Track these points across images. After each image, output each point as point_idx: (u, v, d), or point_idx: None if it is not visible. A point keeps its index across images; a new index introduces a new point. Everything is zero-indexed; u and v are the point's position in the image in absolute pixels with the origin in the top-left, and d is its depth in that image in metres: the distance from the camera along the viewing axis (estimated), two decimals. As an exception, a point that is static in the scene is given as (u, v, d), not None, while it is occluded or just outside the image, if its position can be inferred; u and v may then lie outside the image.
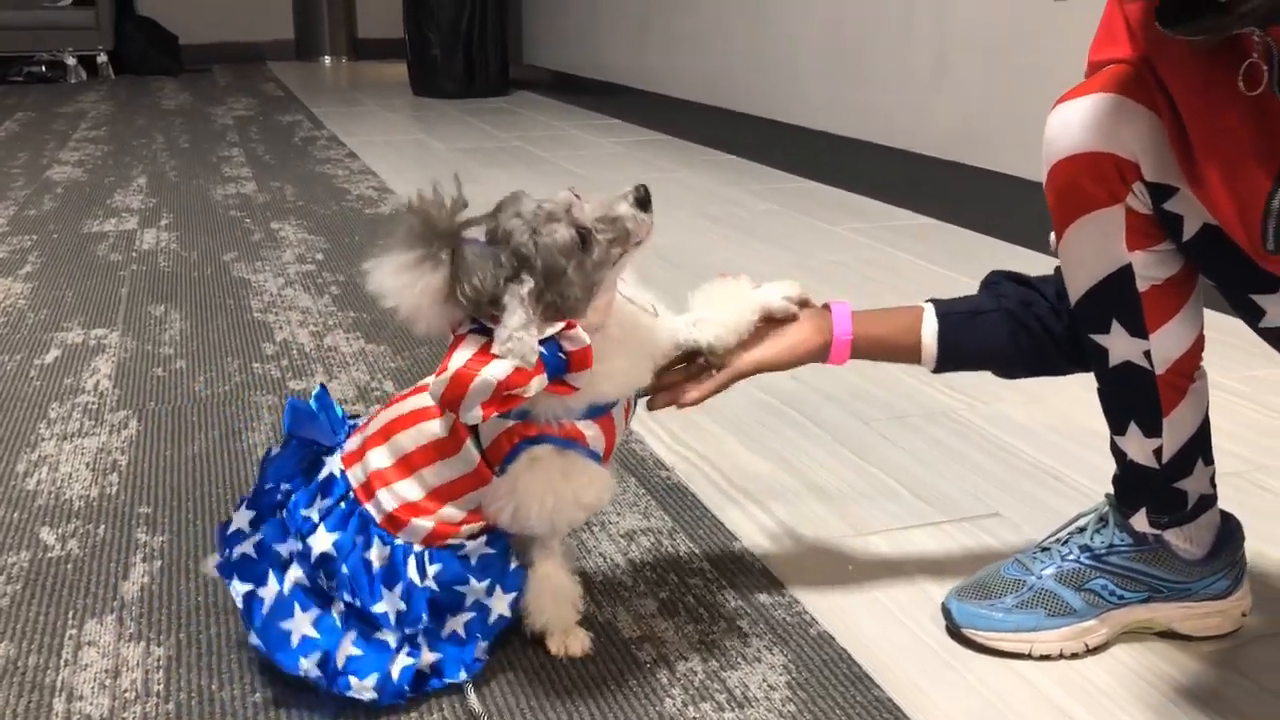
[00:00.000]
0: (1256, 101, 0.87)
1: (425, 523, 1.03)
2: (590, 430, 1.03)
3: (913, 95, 3.12)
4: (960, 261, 2.61)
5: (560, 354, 0.95)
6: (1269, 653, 1.13)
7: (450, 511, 1.03)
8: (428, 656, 1.04)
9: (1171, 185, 0.97)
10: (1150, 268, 1.01)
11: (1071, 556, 1.14)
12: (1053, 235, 1.06)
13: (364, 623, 1.02)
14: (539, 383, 0.94)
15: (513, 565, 1.07)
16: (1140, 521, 1.12)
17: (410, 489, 1.03)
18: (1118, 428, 1.10)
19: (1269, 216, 0.87)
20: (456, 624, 1.05)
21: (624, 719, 1.02)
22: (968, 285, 1.22)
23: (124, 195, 3.37)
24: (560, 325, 0.94)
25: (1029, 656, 1.12)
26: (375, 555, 1.02)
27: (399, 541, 1.03)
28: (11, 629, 1.15)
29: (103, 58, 6.87)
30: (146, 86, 6.43)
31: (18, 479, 1.49)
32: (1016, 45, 2.71)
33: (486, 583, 1.05)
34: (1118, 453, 1.11)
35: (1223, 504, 1.15)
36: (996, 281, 1.18)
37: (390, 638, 1.02)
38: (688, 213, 3.12)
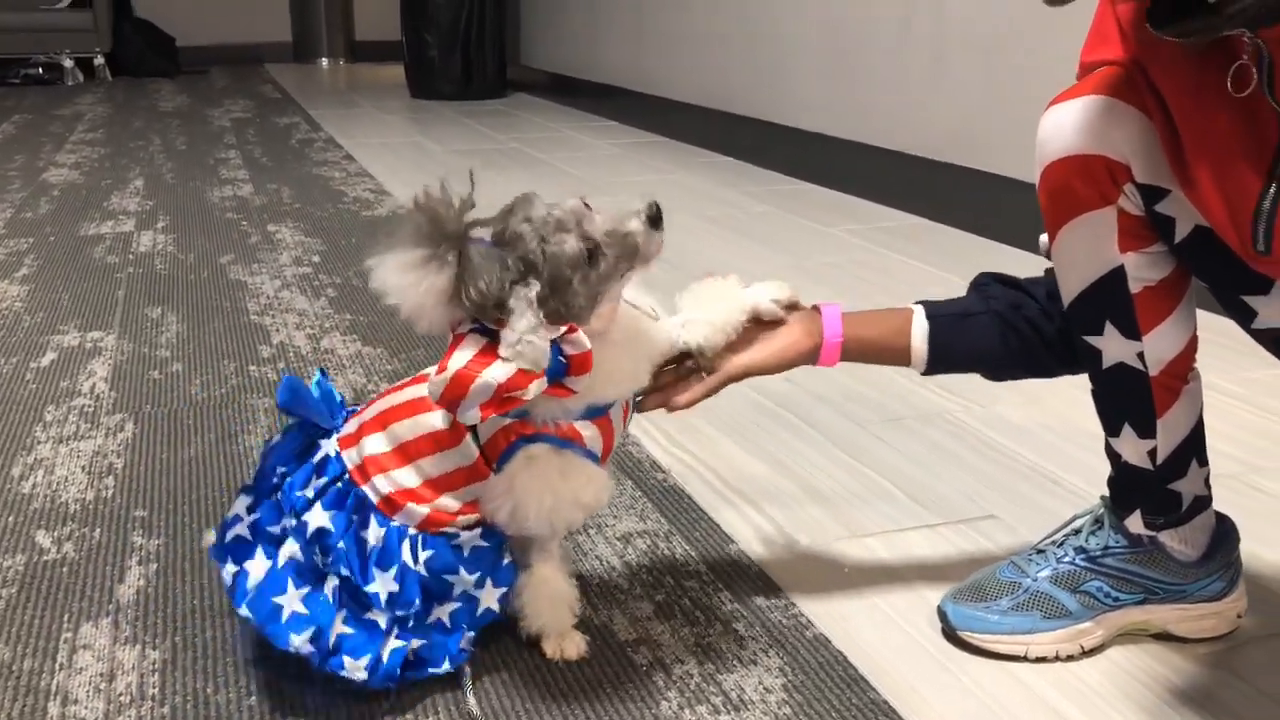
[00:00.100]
0: (1246, 103, 0.87)
1: (421, 508, 1.03)
2: (588, 431, 1.03)
3: (908, 97, 3.12)
4: (954, 263, 2.61)
5: (560, 357, 0.95)
6: (1264, 655, 1.13)
7: (447, 501, 1.03)
8: (415, 642, 1.04)
9: (1163, 187, 0.97)
10: (1142, 269, 1.01)
11: (1067, 559, 1.14)
12: (1043, 237, 1.06)
13: (355, 603, 1.02)
14: (538, 386, 0.93)
15: (505, 560, 1.06)
16: (1135, 523, 1.12)
17: (407, 476, 1.03)
18: (1112, 429, 1.10)
19: (1259, 218, 0.88)
20: (442, 612, 1.05)
21: (619, 722, 1.02)
22: (962, 286, 1.22)
23: (121, 198, 3.37)
24: (562, 329, 0.94)
25: (1025, 659, 1.12)
26: (371, 535, 1.02)
27: (395, 524, 1.03)
28: (6, 633, 1.15)
29: (100, 60, 6.87)
30: (144, 89, 6.43)
31: (13, 482, 1.49)
32: (1012, 47, 2.71)
33: (476, 575, 1.04)
34: (1112, 454, 1.12)
35: (1218, 506, 1.15)
36: (985, 283, 1.18)
37: (381, 619, 1.02)
38: (685, 214, 3.12)
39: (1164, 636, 1.15)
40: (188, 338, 2.07)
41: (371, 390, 1.80)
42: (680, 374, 1.14)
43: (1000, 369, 1.18)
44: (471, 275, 0.92)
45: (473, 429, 1.01)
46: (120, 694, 1.05)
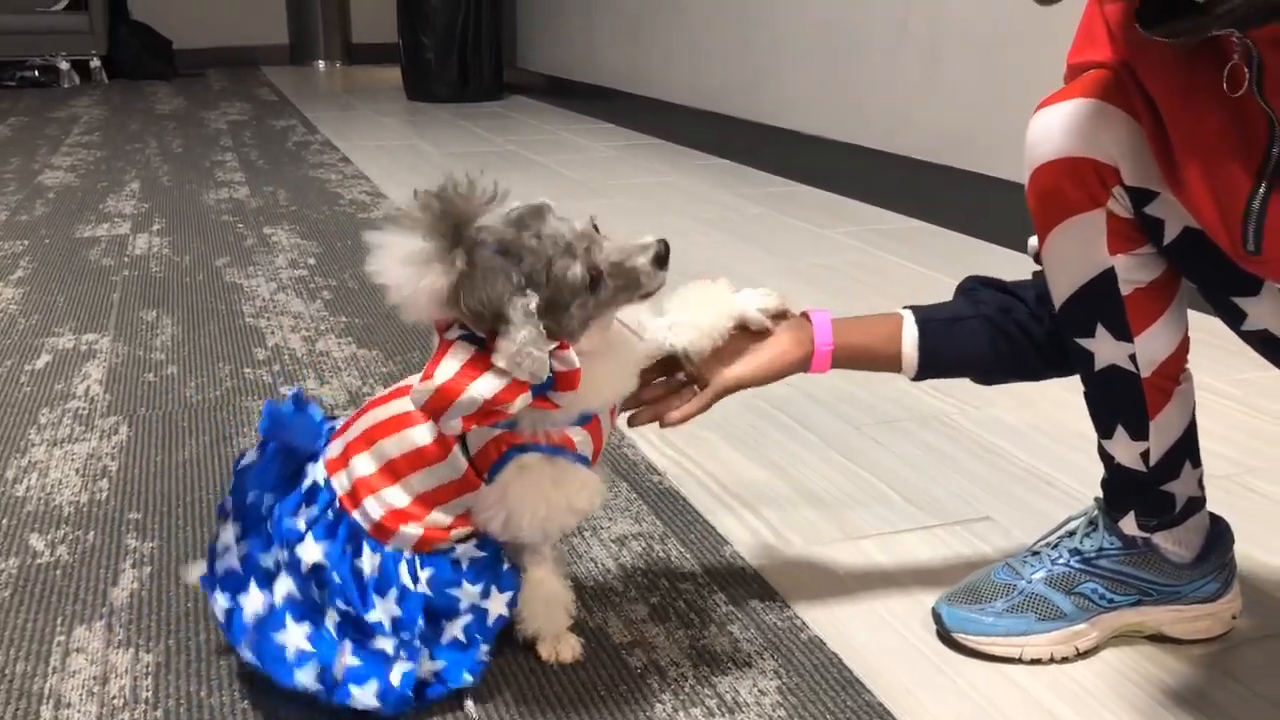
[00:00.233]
0: (1235, 103, 0.87)
1: (414, 529, 1.02)
2: (578, 436, 1.02)
3: (905, 99, 3.12)
4: (950, 265, 2.61)
5: (549, 372, 0.94)
6: (1259, 656, 1.13)
7: (438, 516, 1.03)
8: (429, 665, 1.03)
9: (1152, 189, 0.98)
10: (1133, 271, 1.01)
11: (1061, 560, 1.14)
12: (1033, 240, 1.06)
13: (359, 632, 1.01)
14: (523, 400, 0.93)
15: (505, 566, 1.06)
16: (1129, 525, 1.12)
17: (397, 495, 1.02)
18: (1104, 431, 1.10)
19: (1249, 218, 0.88)
20: (454, 629, 1.04)
21: (613, 724, 1.02)
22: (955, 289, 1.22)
23: (116, 200, 3.37)
24: (554, 345, 0.94)
25: (1019, 660, 1.12)
26: (366, 563, 1.01)
27: (389, 549, 1.02)
28: None
29: (96, 62, 6.86)
30: (140, 91, 6.43)
31: (7, 485, 1.48)
32: (1011, 48, 2.71)
33: (480, 585, 1.04)
34: (1105, 456, 1.12)
35: (1213, 507, 1.15)
36: (974, 288, 1.18)
37: (387, 645, 1.01)
38: (680, 216, 3.12)
39: (1159, 638, 1.15)
40: (183, 340, 2.07)
41: (367, 393, 1.80)
42: (671, 386, 1.13)
43: (990, 373, 1.18)
44: (475, 284, 0.91)
45: (462, 440, 1.01)
46: (114, 697, 1.05)
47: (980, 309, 1.15)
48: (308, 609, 1.01)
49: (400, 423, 1.02)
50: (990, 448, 1.62)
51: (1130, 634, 1.15)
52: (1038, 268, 1.09)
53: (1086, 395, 1.10)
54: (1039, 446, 1.62)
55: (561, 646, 1.10)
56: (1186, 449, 1.09)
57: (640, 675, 1.09)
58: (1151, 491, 1.10)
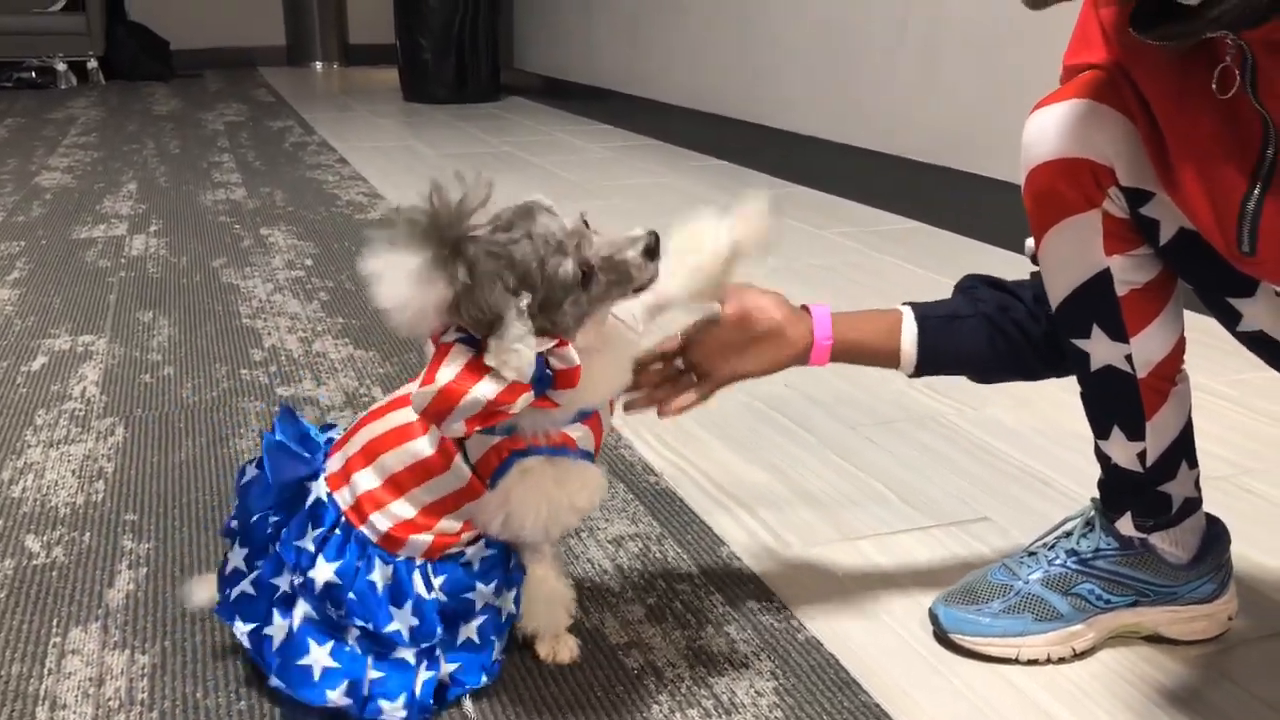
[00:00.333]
0: (1229, 105, 0.87)
1: (424, 538, 1.02)
2: (578, 433, 1.02)
3: (902, 100, 3.12)
4: (948, 266, 2.61)
5: (547, 369, 0.94)
6: (1256, 657, 1.13)
7: (447, 524, 1.03)
8: (446, 667, 1.04)
9: (1147, 190, 0.98)
10: (1128, 272, 1.01)
11: (1058, 561, 1.14)
12: (1029, 241, 1.06)
13: (381, 645, 1.01)
14: (525, 400, 0.93)
15: (512, 561, 1.07)
16: (1126, 525, 1.12)
17: (403, 508, 1.02)
18: (1101, 432, 1.10)
19: (1243, 219, 0.88)
20: (470, 630, 1.05)
21: (610, 725, 1.02)
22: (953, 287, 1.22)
23: (113, 201, 3.37)
24: (552, 343, 0.94)
25: (1016, 661, 1.12)
26: (378, 576, 1.01)
27: (400, 558, 1.02)
28: (-5, 638, 1.15)
29: (93, 63, 6.85)
30: (137, 92, 6.42)
31: (3, 486, 1.48)
32: (1010, 49, 2.71)
33: (493, 585, 1.04)
34: (1102, 457, 1.12)
35: (1209, 508, 1.15)
36: (973, 286, 1.18)
37: (409, 655, 1.02)
38: (676, 218, 3.12)
39: (1155, 639, 1.15)
40: (179, 341, 2.06)
41: (364, 394, 1.79)
42: (668, 375, 1.14)
43: (988, 371, 1.19)
44: (474, 292, 0.91)
45: (463, 448, 1.01)
46: (109, 699, 1.05)
47: (979, 307, 1.15)
48: (328, 627, 1.01)
49: (401, 435, 1.01)
50: (987, 448, 1.62)
51: (1127, 635, 1.15)
52: (1035, 269, 1.09)
53: (1083, 396, 1.10)
54: (1036, 447, 1.62)
55: (560, 647, 1.10)
56: (1183, 450, 1.09)
57: (637, 676, 1.09)
58: (1148, 492, 1.10)
